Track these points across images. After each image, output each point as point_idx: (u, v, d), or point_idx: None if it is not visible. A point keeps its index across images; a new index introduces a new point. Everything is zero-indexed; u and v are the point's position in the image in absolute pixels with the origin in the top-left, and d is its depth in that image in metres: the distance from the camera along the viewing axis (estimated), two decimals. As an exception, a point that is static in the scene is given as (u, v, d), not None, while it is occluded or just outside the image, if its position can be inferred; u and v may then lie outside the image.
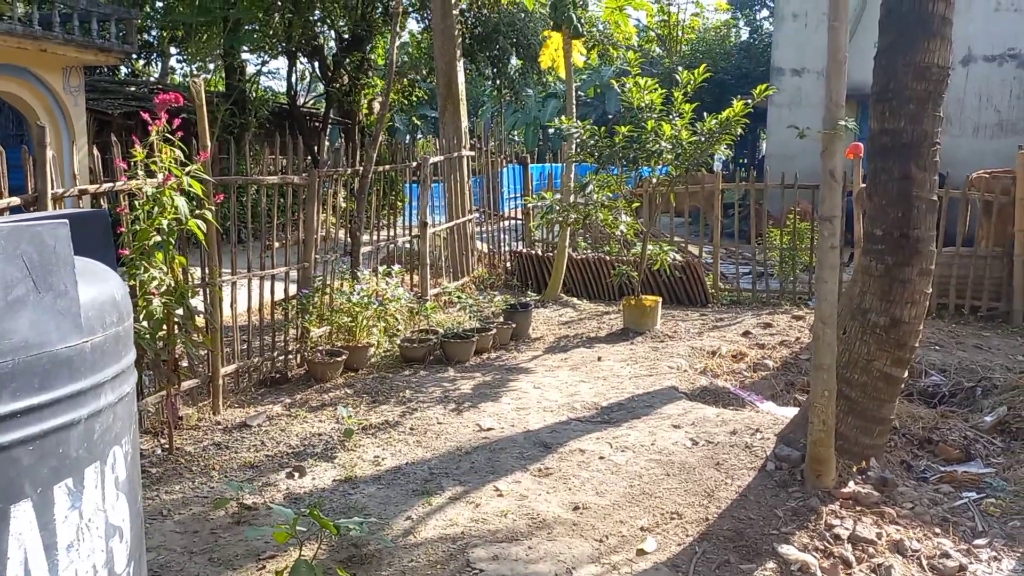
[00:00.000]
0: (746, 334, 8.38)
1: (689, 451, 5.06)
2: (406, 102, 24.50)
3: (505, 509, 4.28)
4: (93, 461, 1.51)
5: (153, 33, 19.99)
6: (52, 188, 4.75)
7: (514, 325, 8.21)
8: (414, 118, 32.92)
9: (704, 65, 8.59)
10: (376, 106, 21.85)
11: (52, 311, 1.40)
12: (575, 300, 10.18)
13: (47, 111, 12.59)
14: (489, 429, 5.56)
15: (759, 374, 7.13)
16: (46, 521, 1.39)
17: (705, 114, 8.48)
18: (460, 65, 12.47)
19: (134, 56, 19.49)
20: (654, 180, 9.18)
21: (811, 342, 4.44)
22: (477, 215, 11.58)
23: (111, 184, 5.16)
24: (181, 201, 4.77)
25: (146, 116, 4.80)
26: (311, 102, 26.84)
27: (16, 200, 4.55)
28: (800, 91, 17.23)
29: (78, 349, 1.46)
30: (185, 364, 5.89)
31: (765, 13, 29.66)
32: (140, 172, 4.89)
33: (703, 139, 8.19)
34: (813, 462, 4.38)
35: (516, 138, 36.40)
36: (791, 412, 5.60)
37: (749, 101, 7.99)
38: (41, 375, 1.37)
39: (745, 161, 27.83)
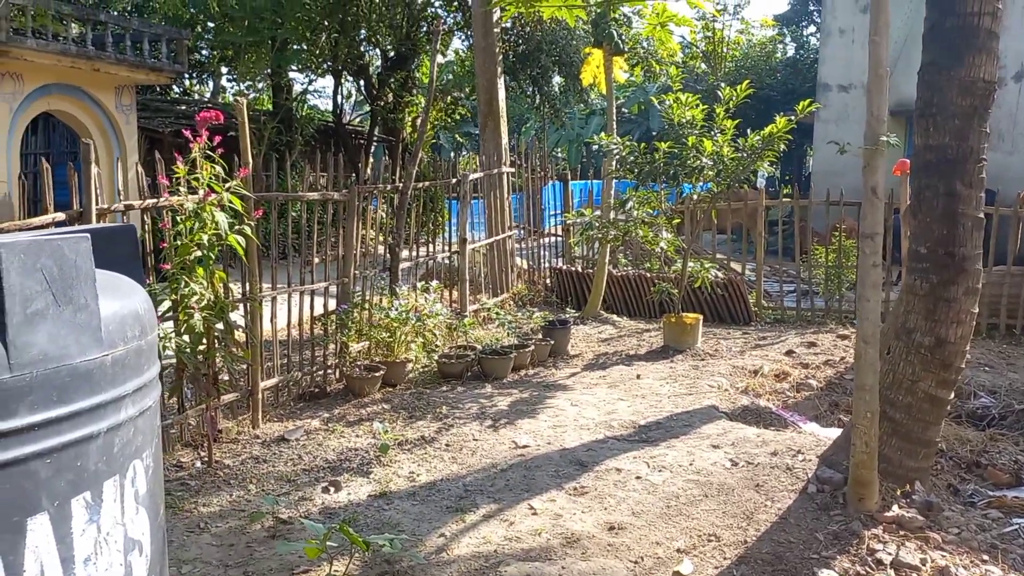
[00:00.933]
0: (789, 353, 8.24)
1: (728, 472, 4.97)
2: (449, 120, 24.70)
3: (539, 528, 4.23)
4: (112, 475, 1.51)
5: (204, 53, 20.43)
6: (97, 204, 4.85)
7: (552, 342, 8.17)
8: (458, 136, 33.18)
9: (747, 81, 8.52)
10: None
11: (72, 324, 1.41)
12: (615, 317, 10.12)
13: (100, 129, 12.92)
14: (525, 446, 5.52)
15: (802, 394, 7.00)
16: (63, 534, 1.39)
17: (749, 130, 8.39)
18: (501, 82, 12.52)
19: (185, 75, 19.95)
20: (695, 197, 9.10)
21: (855, 362, 4.34)
22: (517, 231, 11.59)
23: (155, 200, 5.25)
24: (221, 216, 4.83)
25: (187, 133, 4.87)
26: (356, 120, 27.18)
27: (61, 216, 4.65)
28: (847, 107, 17.00)
29: (98, 362, 1.46)
30: (225, 378, 5.96)
31: (812, 29, 29.39)
32: (182, 188, 4.97)
33: (745, 155, 8.11)
34: (855, 485, 4.27)
35: (559, 155, 36.44)
36: (834, 433, 5.48)
37: (793, 117, 7.90)
38: (60, 388, 1.38)
39: (790, 178, 27.51)
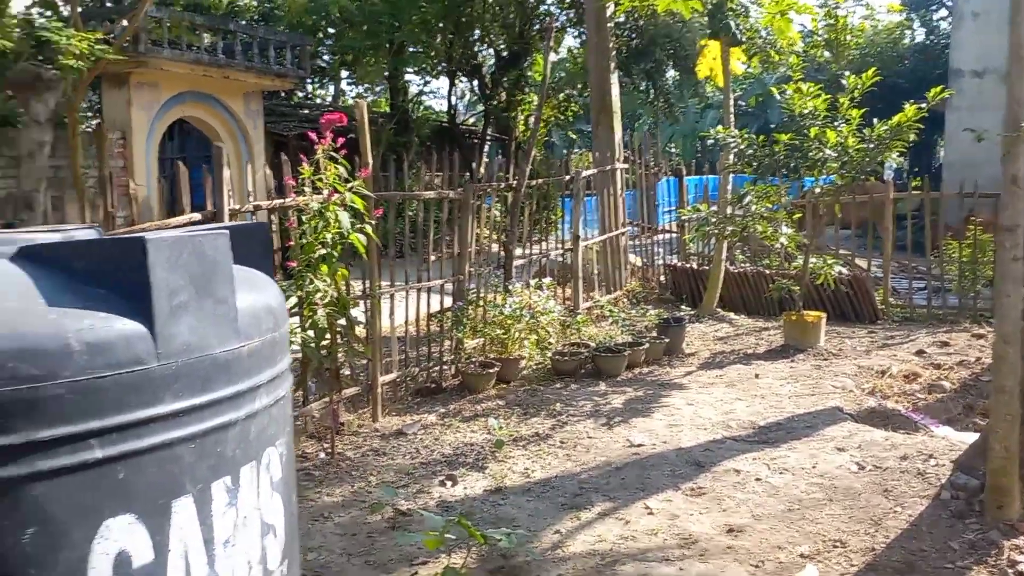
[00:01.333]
0: (920, 353, 7.86)
1: (854, 476, 4.78)
2: (562, 117, 24.69)
3: (655, 527, 4.18)
4: (249, 461, 1.58)
5: (325, 58, 21.12)
6: (229, 204, 5.09)
7: (667, 340, 8.05)
8: (570, 133, 33.12)
9: (873, 69, 8.17)
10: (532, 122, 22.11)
11: (212, 317, 1.48)
12: (731, 315, 9.89)
13: (229, 134, 13.55)
14: (640, 445, 5.47)
15: (934, 396, 6.66)
16: (205, 516, 1.46)
17: (875, 120, 8.04)
18: (614, 78, 12.44)
19: (308, 80, 20.68)
20: (817, 190, 8.80)
21: (993, 362, 4.10)
22: (631, 228, 11.48)
23: (282, 200, 5.46)
24: (344, 216, 4.97)
25: (312, 135, 5.04)
26: (470, 120, 27.54)
27: (197, 216, 4.90)
28: (981, 94, 16.09)
29: (235, 353, 1.53)
30: (347, 372, 6.15)
31: (943, 13, 27.91)
32: (307, 189, 5.14)
33: (871, 146, 7.78)
34: (993, 492, 4.03)
35: (673, 150, 35.88)
36: (970, 438, 5.19)
37: (923, 105, 7.52)
38: (202, 377, 1.45)
39: (919, 169, 26.23)
